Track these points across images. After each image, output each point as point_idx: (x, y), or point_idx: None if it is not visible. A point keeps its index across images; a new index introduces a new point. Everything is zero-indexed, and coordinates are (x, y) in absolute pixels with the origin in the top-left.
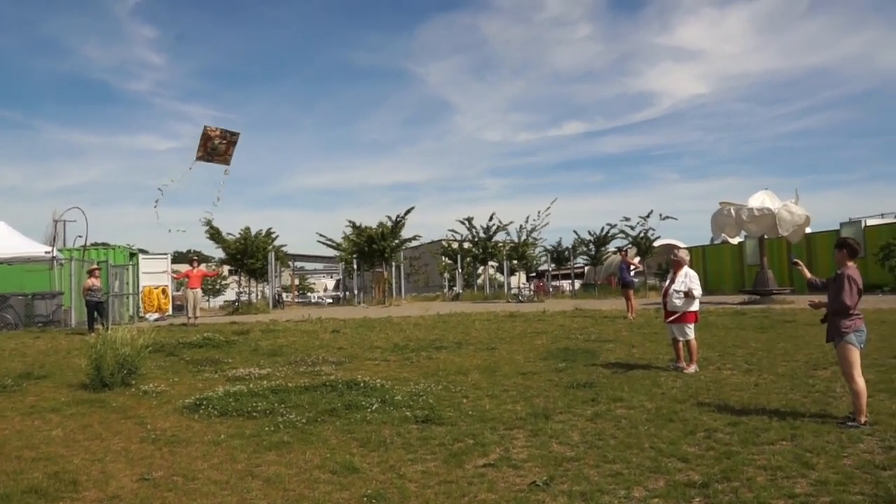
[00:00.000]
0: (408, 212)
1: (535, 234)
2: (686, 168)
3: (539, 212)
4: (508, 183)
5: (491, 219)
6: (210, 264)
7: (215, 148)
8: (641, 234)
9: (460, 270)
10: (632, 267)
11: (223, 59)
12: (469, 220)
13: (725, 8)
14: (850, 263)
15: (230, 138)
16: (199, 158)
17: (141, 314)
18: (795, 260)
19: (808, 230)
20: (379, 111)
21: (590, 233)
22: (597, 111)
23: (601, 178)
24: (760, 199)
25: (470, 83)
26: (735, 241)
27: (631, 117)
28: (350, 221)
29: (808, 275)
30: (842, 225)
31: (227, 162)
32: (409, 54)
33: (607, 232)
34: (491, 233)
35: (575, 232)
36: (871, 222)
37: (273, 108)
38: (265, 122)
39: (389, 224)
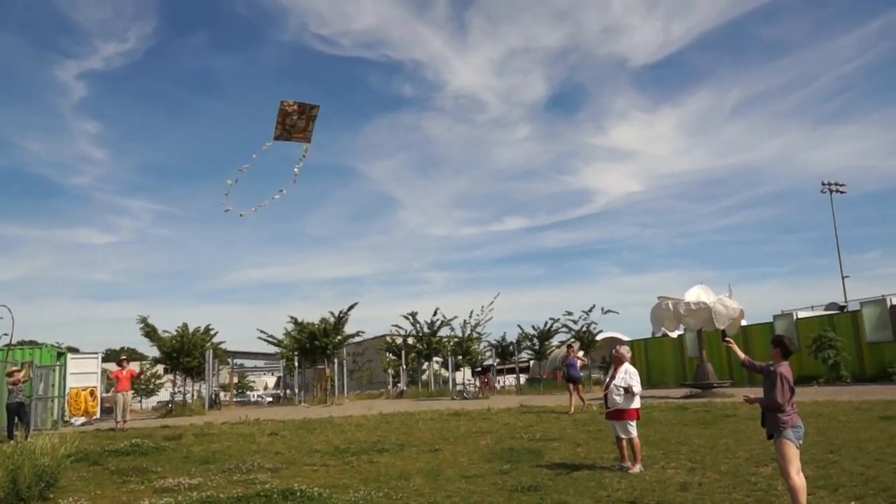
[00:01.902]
0: (351, 307)
1: (479, 329)
2: (625, 262)
3: (483, 306)
4: (453, 276)
5: (435, 314)
6: (144, 363)
7: (294, 124)
8: (584, 328)
9: (405, 367)
10: (578, 361)
11: (167, 155)
12: (413, 315)
13: (655, 112)
14: (784, 361)
15: (309, 112)
16: (277, 138)
17: (66, 418)
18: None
19: (743, 322)
20: (324, 206)
21: (533, 327)
22: (537, 207)
23: (543, 271)
24: (696, 294)
25: (414, 180)
26: (674, 334)
27: (570, 213)
28: (292, 318)
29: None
30: (775, 317)
31: (307, 139)
32: (355, 152)
33: (551, 326)
34: (435, 328)
35: (519, 326)
36: (801, 314)
37: (217, 203)
38: (209, 217)
39: (332, 320)
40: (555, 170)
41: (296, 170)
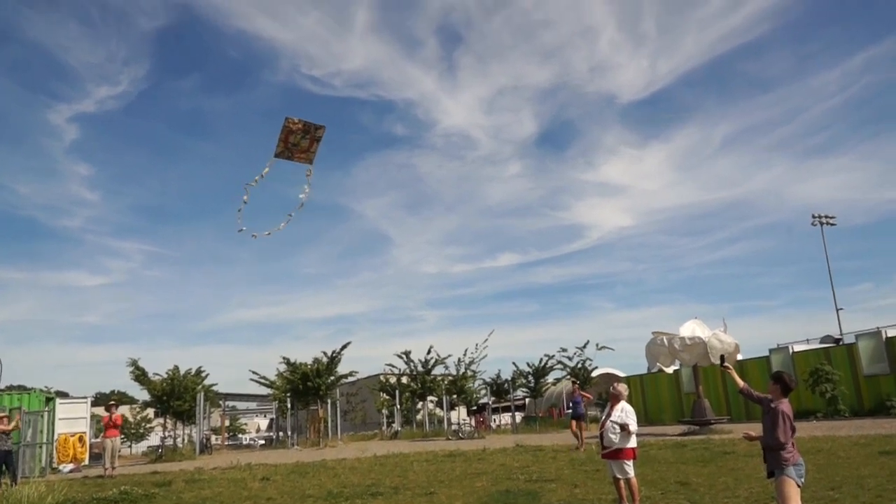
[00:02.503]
0: (344, 347)
1: (473, 367)
2: (619, 297)
3: (477, 344)
4: (446, 314)
5: (429, 352)
6: (135, 406)
7: (297, 143)
8: (579, 365)
9: (399, 406)
10: (583, 399)
11: (158, 196)
12: (407, 353)
13: (644, 148)
14: (784, 398)
15: (314, 132)
16: (278, 155)
17: (54, 465)
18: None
19: (738, 357)
20: (316, 245)
21: (528, 364)
22: (530, 243)
23: (537, 307)
24: (691, 329)
25: (406, 217)
26: (670, 370)
27: (563, 248)
28: (284, 358)
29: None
30: (770, 351)
31: (310, 160)
32: (347, 190)
33: (545, 363)
34: (429, 366)
35: (514, 363)
36: (798, 348)
37: (209, 244)
38: (200, 257)
39: (325, 360)
40: (547, 205)
41: (302, 196)
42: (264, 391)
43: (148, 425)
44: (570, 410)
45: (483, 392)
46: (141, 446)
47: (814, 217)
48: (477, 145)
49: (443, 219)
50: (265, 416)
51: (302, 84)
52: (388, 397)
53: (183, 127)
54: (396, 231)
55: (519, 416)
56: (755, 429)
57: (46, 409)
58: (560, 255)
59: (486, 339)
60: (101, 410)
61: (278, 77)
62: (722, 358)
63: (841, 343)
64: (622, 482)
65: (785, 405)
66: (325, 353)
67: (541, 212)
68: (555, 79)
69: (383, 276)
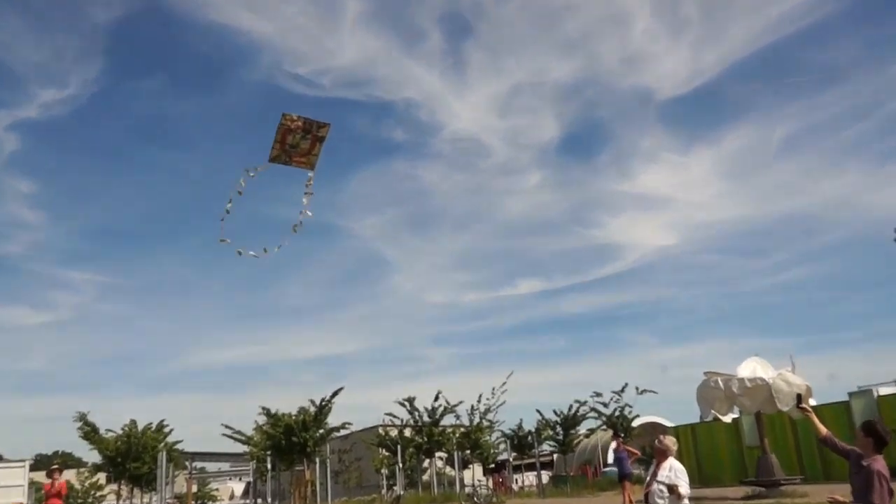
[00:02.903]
0: (335, 393)
1: (490, 416)
2: (663, 330)
3: (494, 388)
4: (456, 352)
5: (437, 398)
6: (83, 470)
7: (296, 145)
8: (617, 413)
9: (401, 465)
10: (629, 455)
11: (115, 217)
12: (410, 400)
13: (688, 153)
14: (878, 455)
15: (317, 132)
16: (273, 159)
17: None
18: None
19: (811, 402)
20: (302, 272)
21: (556, 412)
22: (555, 266)
23: (565, 343)
24: (751, 368)
25: (408, 238)
26: (727, 418)
27: (594, 272)
28: (264, 409)
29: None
30: (851, 395)
31: (311, 165)
32: (339, 207)
33: (576, 410)
34: (437, 416)
35: (538, 412)
36: (883, 391)
37: (173, 271)
38: (164, 288)
39: (312, 410)
40: (574, 222)
41: (302, 211)
42: (240, 448)
43: (99, 493)
44: (610, 468)
45: (502, 447)
46: None
47: None
48: (490, 152)
49: (451, 239)
50: (240, 480)
51: (285, 84)
52: (388, 454)
53: (144, 135)
54: (397, 254)
55: (546, 476)
56: (840, 491)
57: None
58: (591, 281)
59: (505, 382)
60: (41, 476)
61: (257, 76)
62: (798, 398)
63: None
64: None
65: (880, 463)
66: (312, 402)
67: (567, 229)
68: (580, 73)
69: (382, 307)
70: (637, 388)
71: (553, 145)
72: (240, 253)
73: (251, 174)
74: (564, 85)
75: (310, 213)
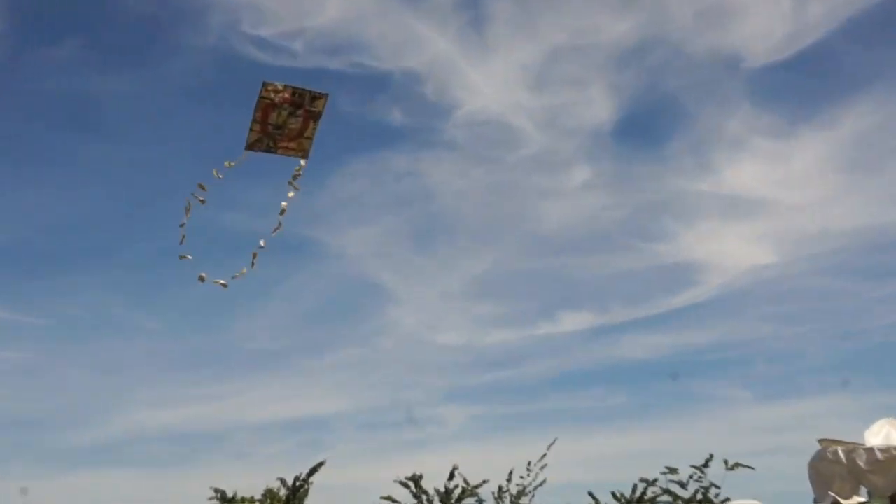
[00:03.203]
0: (314, 469)
1: (525, 500)
2: (759, 381)
3: (530, 462)
4: (477, 412)
5: (452, 476)
6: None
7: (282, 125)
8: (699, 495)
9: None
10: None
11: (14, 231)
12: (416, 479)
13: (790, 138)
14: None
15: (310, 104)
16: (251, 146)
17: None
18: None
19: None
20: (269, 304)
21: (616, 496)
22: (609, 294)
23: (624, 400)
24: (884, 433)
25: (411, 256)
26: (852, 501)
27: (663, 303)
28: (217, 491)
29: None
30: None
31: (303, 151)
32: (317, 215)
33: (643, 492)
34: (453, 501)
35: (591, 495)
36: None
37: (97, 304)
38: (83, 327)
39: (283, 492)
40: (635, 233)
41: (284, 203)
42: None
43: None
44: None
45: None
46: None
47: None
48: (521, 140)
49: (469, 257)
50: None
51: (243, 50)
52: None
53: (56, 120)
54: (395, 278)
55: None
56: None
57: None
58: (659, 314)
59: (545, 454)
60: None
61: (206, 40)
62: None
63: None
64: None
65: None
66: (283, 482)
67: (626, 243)
68: (642, 32)
69: (376, 351)
70: (726, 462)
71: (606, 130)
72: (202, 279)
73: (219, 175)
74: (621, 48)
75: (285, 206)
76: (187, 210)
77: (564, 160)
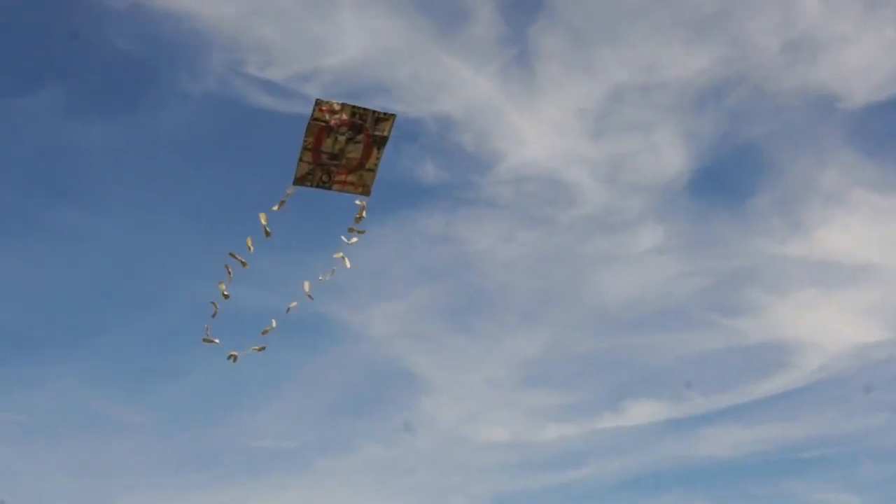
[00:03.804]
0: None
1: None
2: (868, 483)
3: None
4: None
5: None
6: None
7: (338, 154)
8: None
9: None
10: None
11: None
12: None
13: (893, 192)
14: None
15: (373, 126)
16: (300, 180)
17: None
18: None
19: None
20: (280, 395)
21: None
22: (687, 380)
23: None
24: None
25: (448, 336)
26: None
27: (751, 389)
28: None
29: None
30: None
31: (365, 187)
32: (336, 289)
33: None
34: None
35: None
36: None
37: (74, 397)
38: (58, 423)
39: None
40: (715, 307)
41: (347, 241)
42: None
43: None
44: None
45: None
46: None
47: None
48: (576, 196)
49: (517, 337)
50: None
51: (248, 95)
52: None
53: (29, 181)
54: (429, 362)
55: None
56: None
57: None
58: (746, 403)
59: None
60: None
61: (205, 85)
62: None
63: None
64: None
65: None
66: None
67: (705, 319)
68: (720, 68)
69: (407, 449)
70: None
71: (679, 183)
72: (234, 359)
73: (274, 209)
74: (695, 87)
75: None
76: (227, 276)
77: (630, 220)
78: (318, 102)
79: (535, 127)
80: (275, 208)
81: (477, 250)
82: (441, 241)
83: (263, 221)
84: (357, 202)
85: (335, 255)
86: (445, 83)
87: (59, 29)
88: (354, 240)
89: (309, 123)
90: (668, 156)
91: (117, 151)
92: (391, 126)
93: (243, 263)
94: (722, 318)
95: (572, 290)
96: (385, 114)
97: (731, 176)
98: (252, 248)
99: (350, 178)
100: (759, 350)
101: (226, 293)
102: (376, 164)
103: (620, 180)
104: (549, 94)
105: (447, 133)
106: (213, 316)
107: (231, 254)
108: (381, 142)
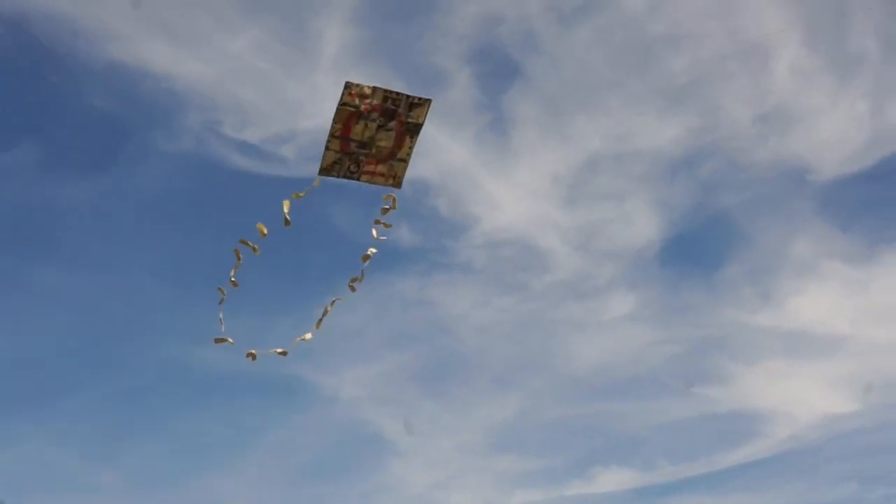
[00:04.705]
0: None
1: None
2: None
3: None
4: None
5: None
6: None
7: (368, 141)
8: None
9: None
10: None
11: None
12: None
13: (870, 263)
14: None
15: (408, 115)
16: (326, 170)
17: None
18: None
19: None
20: (248, 458)
21: None
22: (657, 448)
23: None
24: None
25: (420, 399)
26: None
27: (721, 458)
28: None
29: None
30: None
31: (396, 178)
32: (307, 351)
33: None
34: None
35: None
36: None
37: (37, 458)
38: (20, 485)
39: None
40: (684, 375)
41: (374, 232)
42: None
43: None
44: None
45: None
46: None
47: None
48: (550, 263)
49: (489, 402)
50: None
51: (224, 155)
52: None
53: (0, 236)
54: (400, 428)
55: None
56: None
57: None
58: (715, 472)
59: None
60: None
61: (181, 144)
62: None
63: None
64: None
65: None
66: None
67: (674, 387)
68: (692, 138)
69: None
70: None
71: (651, 251)
72: (253, 357)
73: (296, 196)
74: (668, 156)
75: (368, 259)
76: (237, 263)
77: (601, 287)
78: (348, 86)
79: (510, 193)
80: (299, 195)
81: (451, 314)
82: (415, 305)
83: (286, 209)
84: (385, 197)
85: (366, 257)
86: (421, 148)
87: (36, 86)
88: (383, 237)
89: (337, 108)
90: (641, 224)
91: (91, 209)
92: (426, 112)
93: (255, 249)
94: (694, 387)
95: (545, 355)
96: (420, 98)
97: (703, 245)
98: (265, 234)
99: (380, 168)
100: (729, 419)
101: (234, 280)
102: (409, 154)
103: (593, 247)
104: (523, 160)
105: (423, 197)
106: (221, 303)
107: (242, 240)
108: (414, 129)
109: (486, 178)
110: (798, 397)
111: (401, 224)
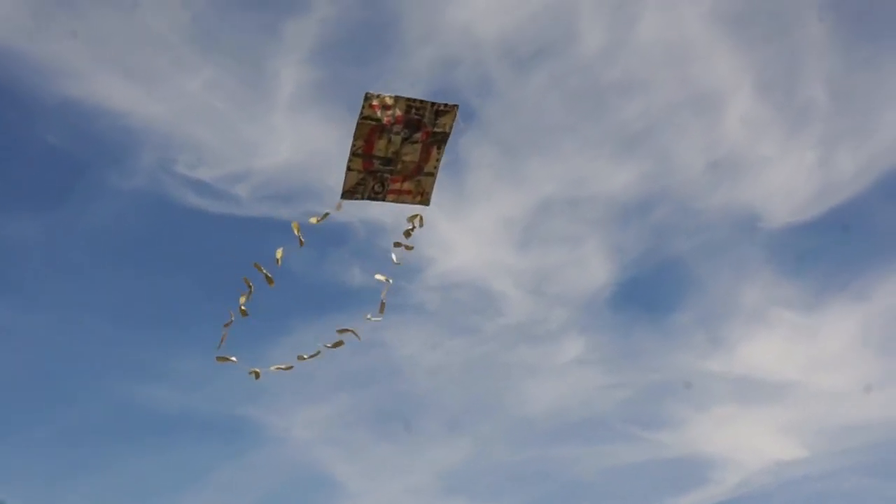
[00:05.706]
0: None
1: None
2: None
3: None
4: None
5: None
6: None
7: (393, 157)
8: None
9: None
10: None
11: None
12: None
13: (818, 311)
14: None
15: (434, 125)
16: (350, 192)
17: None
18: None
19: None
20: (196, 499)
21: None
22: (606, 492)
23: None
24: None
25: (371, 443)
26: None
27: (672, 503)
28: None
29: None
30: None
31: (424, 195)
32: (257, 391)
33: None
34: None
35: None
36: None
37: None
38: None
39: None
40: (635, 420)
41: (393, 256)
42: None
43: None
44: None
45: None
46: None
47: None
48: (502, 306)
49: (439, 445)
50: None
51: (178, 194)
52: None
53: None
54: (350, 469)
55: None
56: None
57: None
58: None
59: None
60: None
61: (134, 182)
62: None
63: None
64: None
65: None
66: None
67: (626, 432)
68: (645, 184)
69: None
70: None
71: (603, 296)
72: (255, 375)
73: (277, 265)
74: (620, 202)
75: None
76: (248, 291)
77: (553, 331)
78: (368, 97)
79: (464, 235)
80: (314, 221)
81: (403, 356)
82: (367, 347)
83: (296, 232)
84: (409, 217)
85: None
86: None
87: None
88: (399, 262)
89: (358, 123)
90: (594, 268)
91: (43, 246)
92: (453, 120)
93: (269, 278)
94: (643, 431)
95: (496, 399)
96: (446, 105)
97: (654, 290)
98: (280, 263)
99: (406, 185)
100: (679, 464)
101: (244, 309)
102: (436, 167)
103: (546, 291)
104: (477, 203)
105: (375, 238)
106: (227, 326)
107: (256, 265)
108: (441, 139)
109: (440, 220)
110: (747, 443)
111: (353, 264)
